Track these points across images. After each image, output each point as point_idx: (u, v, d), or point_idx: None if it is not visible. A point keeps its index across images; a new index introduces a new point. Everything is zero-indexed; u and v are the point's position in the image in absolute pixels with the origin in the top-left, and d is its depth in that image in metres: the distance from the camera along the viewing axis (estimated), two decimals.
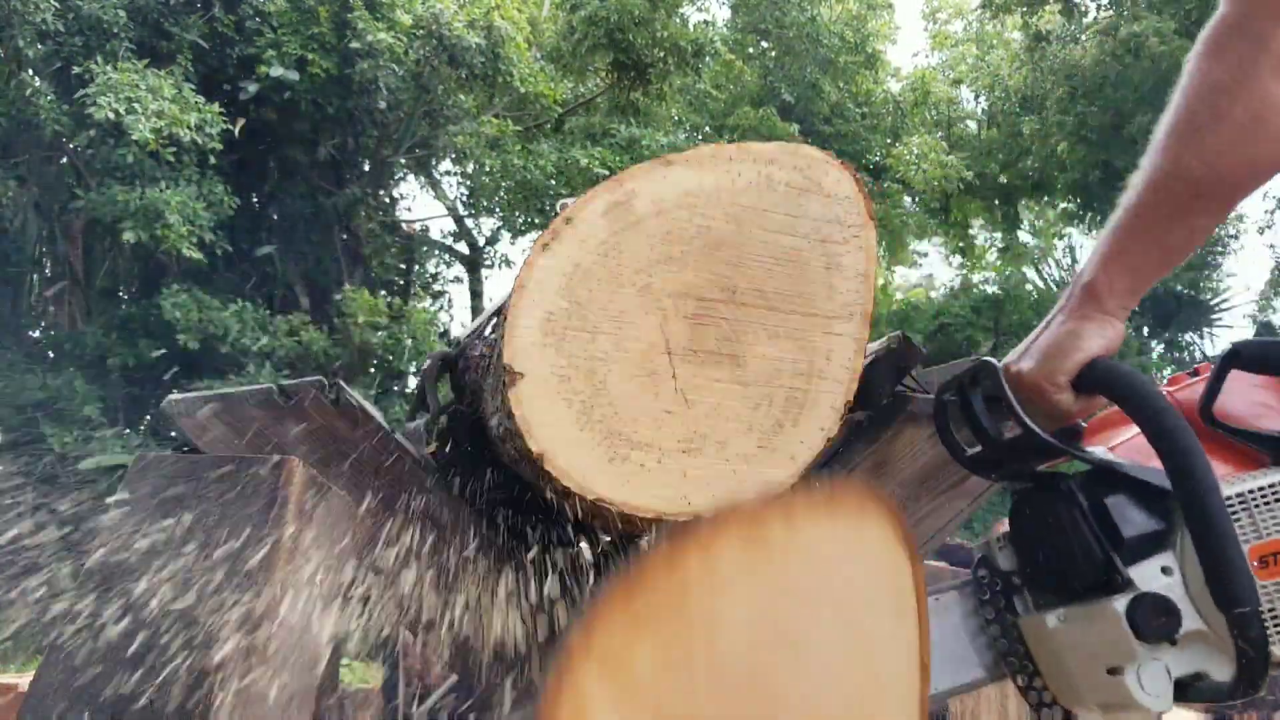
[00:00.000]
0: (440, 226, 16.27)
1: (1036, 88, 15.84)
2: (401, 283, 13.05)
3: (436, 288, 14.87)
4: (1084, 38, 15.09)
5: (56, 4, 9.34)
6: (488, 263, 15.34)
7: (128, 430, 10.63)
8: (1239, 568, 0.93)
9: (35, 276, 11.36)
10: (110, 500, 1.04)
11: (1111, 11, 14.78)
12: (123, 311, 11.09)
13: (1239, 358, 1.06)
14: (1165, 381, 1.15)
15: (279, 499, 0.98)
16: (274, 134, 10.54)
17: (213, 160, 9.55)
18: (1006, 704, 3.62)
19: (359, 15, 9.95)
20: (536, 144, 12.31)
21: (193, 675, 0.86)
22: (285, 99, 10.13)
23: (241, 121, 9.86)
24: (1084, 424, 1.09)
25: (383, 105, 10.47)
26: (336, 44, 10.15)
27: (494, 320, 1.45)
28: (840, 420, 1.17)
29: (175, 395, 1.30)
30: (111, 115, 8.69)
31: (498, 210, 14.35)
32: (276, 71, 9.81)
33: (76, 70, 9.26)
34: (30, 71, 10.10)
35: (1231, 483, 1.00)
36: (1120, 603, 0.96)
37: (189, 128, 9.06)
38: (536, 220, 13.00)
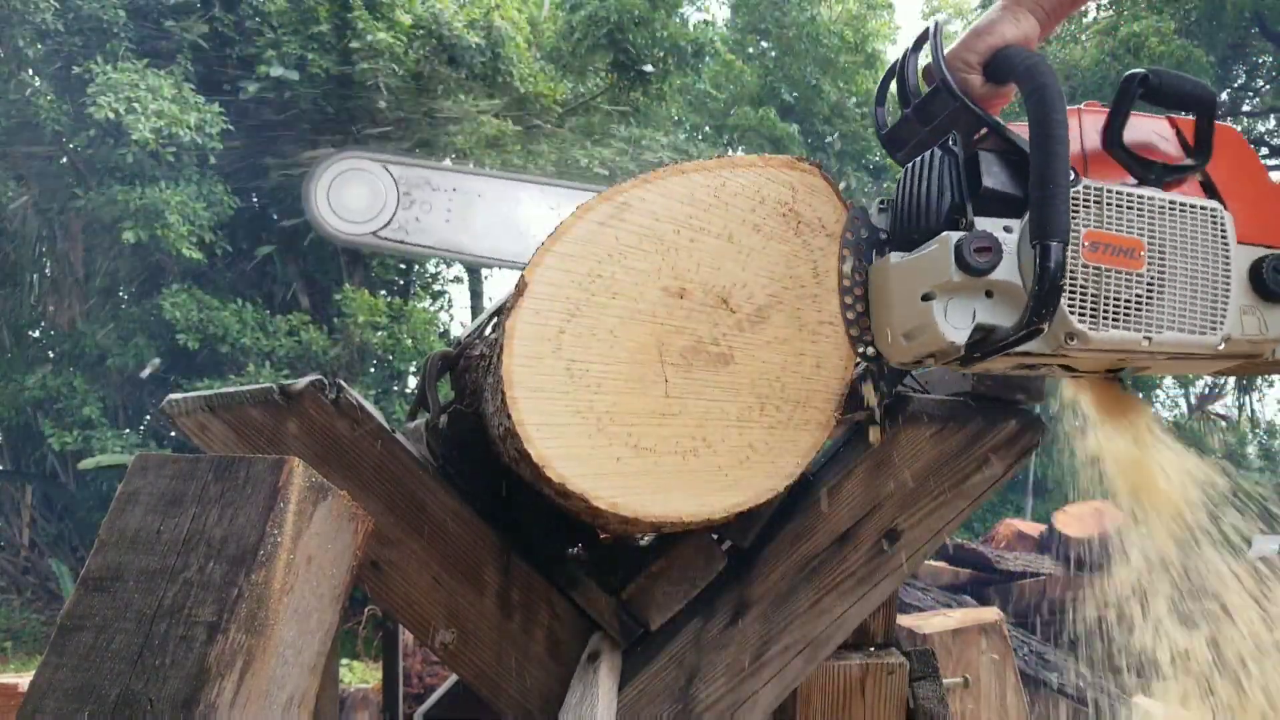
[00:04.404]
0: None
1: None
2: (401, 283, 13.04)
3: (436, 288, 14.88)
4: (1084, 38, 15.10)
5: (56, 4, 9.34)
6: None
7: (128, 430, 10.63)
8: (1059, 206, 1.01)
9: (35, 276, 11.36)
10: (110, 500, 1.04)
11: (1111, 11, 14.79)
12: (123, 311, 11.09)
13: (1146, 85, 1.14)
14: (1083, 105, 1.20)
15: (279, 499, 0.98)
16: (274, 134, 10.53)
17: (212, 160, 9.55)
18: (1006, 704, 3.63)
19: (359, 15, 9.95)
20: (536, 144, 12.31)
21: (193, 675, 0.87)
22: (285, 99, 10.13)
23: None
24: None
25: (383, 105, 10.46)
26: (336, 44, 10.14)
27: (494, 320, 1.45)
28: (836, 422, 1.19)
29: (175, 395, 1.30)
30: (111, 115, 8.69)
31: None
32: (276, 71, 9.80)
33: (76, 70, 9.26)
34: (30, 71, 10.10)
35: (1094, 178, 1.10)
36: (955, 235, 1.05)
37: (189, 128, 9.06)
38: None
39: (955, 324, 1.06)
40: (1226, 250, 1.13)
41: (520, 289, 1.08)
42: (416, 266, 13.94)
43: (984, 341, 1.07)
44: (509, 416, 1.05)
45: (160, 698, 0.85)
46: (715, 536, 1.40)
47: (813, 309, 1.19)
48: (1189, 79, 1.16)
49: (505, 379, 1.06)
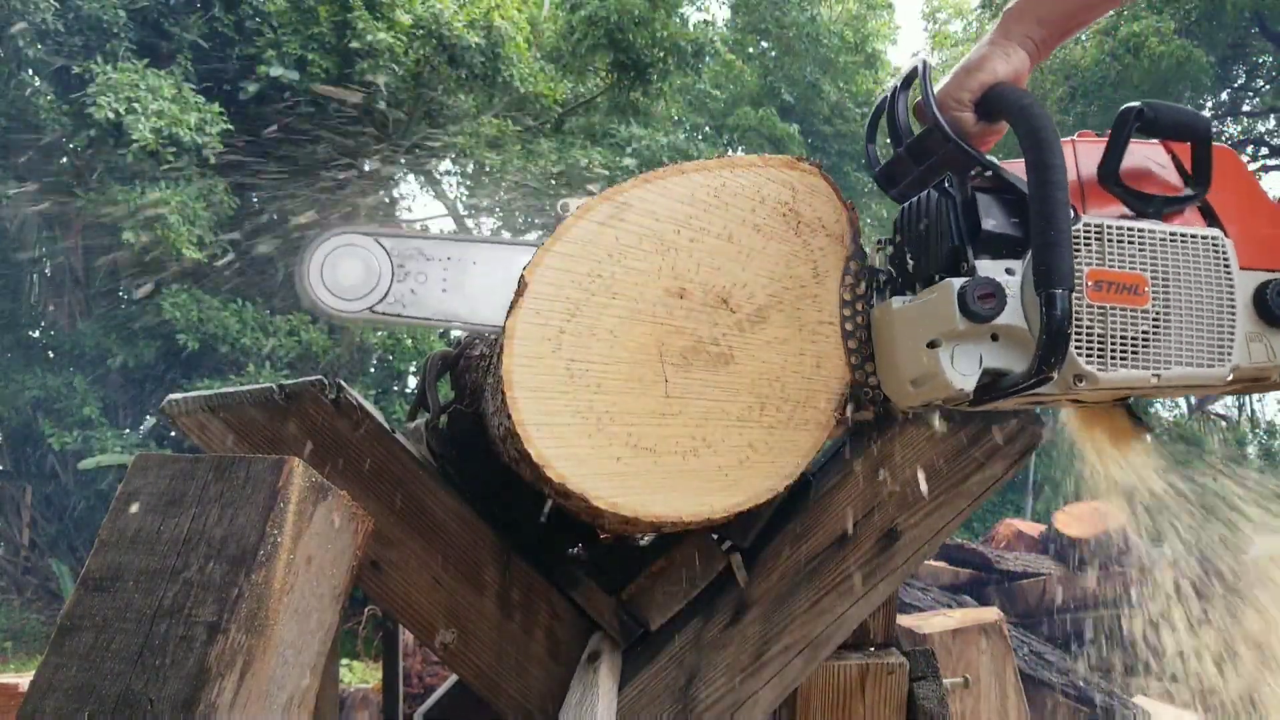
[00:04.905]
0: (440, 226, 16.27)
1: (1036, 87, 15.85)
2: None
3: None
4: (1084, 37, 15.10)
5: (56, 4, 9.34)
6: None
7: (128, 430, 10.63)
8: (1062, 253, 1.00)
9: (35, 276, 11.36)
10: (110, 500, 1.04)
11: (1111, 11, 14.79)
12: (123, 311, 11.09)
13: (1142, 119, 1.12)
14: (1076, 135, 1.19)
15: (279, 499, 0.98)
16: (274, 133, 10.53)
17: (212, 160, 9.55)
18: (1006, 704, 3.63)
19: (359, 15, 9.95)
20: (536, 144, 12.31)
21: (193, 675, 0.87)
22: (285, 99, 10.13)
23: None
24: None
25: (383, 105, 10.46)
26: (336, 44, 10.15)
27: None
28: (835, 422, 1.19)
29: (175, 395, 1.30)
30: (111, 115, 8.69)
31: (498, 210, 14.37)
32: (276, 71, 9.80)
33: (76, 70, 9.26)
34: (30, 71, 10.10)
35: (1095, 213, 1.09)
36: (958, 282, 1.04)
37: (189, 128, 9.07)
38: (536, 220, 13.01)
39: (962, 370, 1.05)
40: (1230, 279, 1.11)
41: (520, 289, 1.08)
42: None
43: (992, 386, 1.06)
44: (509, 416, 1.05)
45: (160, 698, 0.85)
46: (715, 536, 1.40)
47: (813, 309, 1.19)
48: (1183, 109, 1.15)
49: (505, 379, 1.05)
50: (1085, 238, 1.07)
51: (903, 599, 5.05)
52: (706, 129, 16.58)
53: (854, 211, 1.23)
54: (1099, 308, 1.06)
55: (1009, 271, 1.06)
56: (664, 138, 12.88)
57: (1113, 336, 1.06)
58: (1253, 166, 17.34)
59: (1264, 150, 17.04)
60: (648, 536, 1.45)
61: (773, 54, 17.74)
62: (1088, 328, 1.05)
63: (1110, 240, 1.07)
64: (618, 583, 1.38)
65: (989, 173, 1.10)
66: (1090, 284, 1.05)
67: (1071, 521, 6.35)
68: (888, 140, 1.22)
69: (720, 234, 1.15)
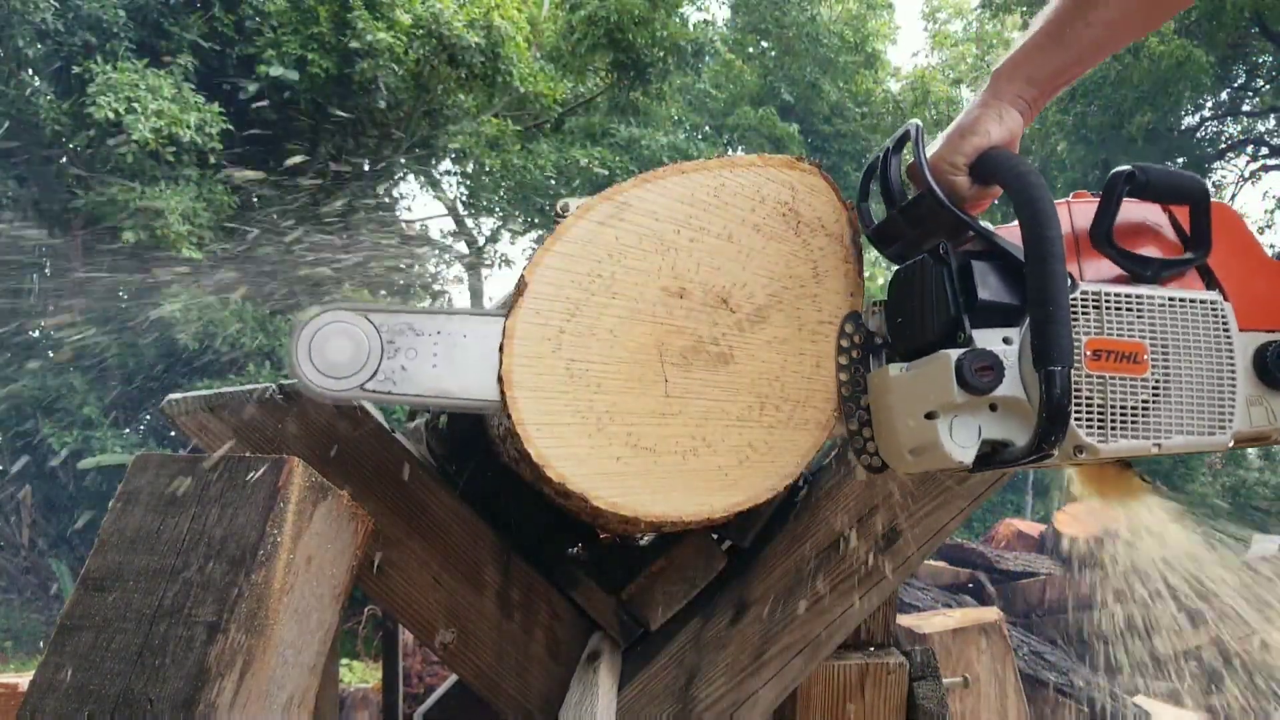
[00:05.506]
0: (440, 226, 16.28)
1: None
2: (401, 283, 13.04)
3: (436, 287, 14.89)
4: None
5: (56, 4, 9.34)
6: (488, 263, 15.35)
7: (127, 430, 10.63)
8: (1061, 330, 0.98)
9: (35, 276, 11.36)
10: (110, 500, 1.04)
11: None
12: (123, 311, 11.08)
13: (1133, 182, 1.10)
14: (1071, 195, 1.17)
15: (279, 499, 0.98)
16: (274, 134, 10.54)
17: (212, 160, 9.55)
18: (1006, 704, 3.63)
19: (359, 15, 9.95)
20: (536, 144, 12.32)
21: (193, 675, 0.87)
22: (285, 99, 10.13)
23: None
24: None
25: (383, 105, 10.47)
26: (336, 44, 10.15)
27: None
28: (835, 422, 1.19)
29: (175, 395, 1.30)
30: (111, 115, 8.70)
31: (497, 210, 14.38)
32: (276, 71, 9.81)
33: (76, 70, 9.26)
34: (30, 71, 10.10)
35: (1092, 280, 1.08)
36: (955, 354, 1.02)
37: (189, 127, 9.07)
38: (536, 220, 13.02)
39: (961, 442, 1.04)
40: (1229, 343, 1.10)
41: (520, 289, 1.08)
42: (416, 267, 13.93)
43: (992, 456, 1.05)
44: (509, 416, 1.05)
45: (160, 698, 0.85)
46: (715, 536, 1.40)
47: (812, 309, 1.19)
48: (1176, 172, 1.13)
49: (505, 379, 1.06)
50: (1083, 306, 1.05)
51: (903, 599, 5.05)
52: (706, 129, 16.59)
53: (854, 211, 1.23)
54: (1098, 377, 1.04)
55: (1006, 341, 1.04)
56: (664, 138, 12.89)
57: (1112, 406, 1.04)
58: (1253, 167, 17.34)
59: (1264, 150, 17.04)
60: (648, 536, 1.46)
61: (773, 54, 17.75)
62: (1087, 398, 1.03)
63: (1108, 308, 1.06)
64: (618, 583, 1.38)
65: (984, 240, 1.09)
66: (1089, 353, 1.04)
67: (1071, 521, 6.35)
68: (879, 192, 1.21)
69: (720, 234, 1.16)
